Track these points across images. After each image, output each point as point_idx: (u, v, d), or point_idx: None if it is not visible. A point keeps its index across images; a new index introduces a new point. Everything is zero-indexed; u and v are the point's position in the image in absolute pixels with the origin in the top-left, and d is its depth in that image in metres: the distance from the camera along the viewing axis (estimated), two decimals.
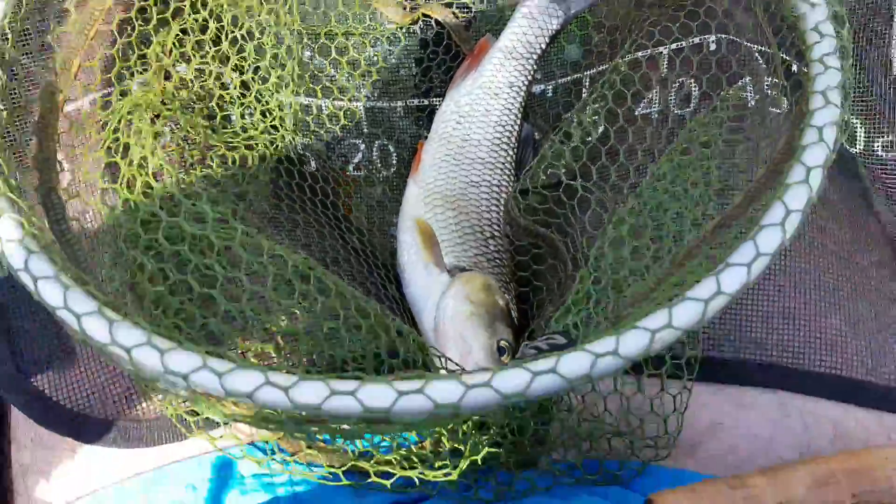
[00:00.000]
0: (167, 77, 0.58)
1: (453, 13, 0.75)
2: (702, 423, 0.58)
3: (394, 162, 0.73)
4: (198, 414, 0.55)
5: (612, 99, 0.64)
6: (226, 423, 0.55)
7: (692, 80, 0.67)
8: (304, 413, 0.34)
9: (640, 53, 0.67)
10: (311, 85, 0.72)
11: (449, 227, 0.65)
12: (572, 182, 0.61)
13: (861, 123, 0.67)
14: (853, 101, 0.67)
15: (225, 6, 0.60)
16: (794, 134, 0.42)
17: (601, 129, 0.64)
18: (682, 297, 0.36)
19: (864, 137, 0.67)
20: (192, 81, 0.57)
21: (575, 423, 0.54)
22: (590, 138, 0.64)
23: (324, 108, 0.73)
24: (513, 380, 0.34)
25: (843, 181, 0.65)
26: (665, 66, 0.67)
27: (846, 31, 0.44)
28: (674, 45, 0.67)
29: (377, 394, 0.33)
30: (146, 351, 0.35)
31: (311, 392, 0.33)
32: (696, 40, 0.66)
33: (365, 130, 0.73)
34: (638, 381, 0.54)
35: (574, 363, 0.35)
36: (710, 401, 0.58)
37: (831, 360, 0.58)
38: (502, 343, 0.58)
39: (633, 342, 0.35)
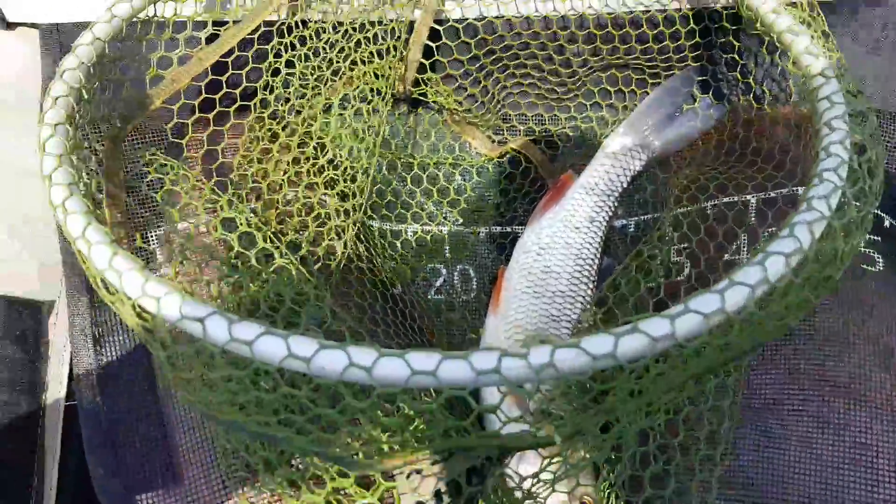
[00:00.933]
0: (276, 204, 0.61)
1: (540, 149, 0.78)
2: None
3: (474, 287, 0.74)
4: None
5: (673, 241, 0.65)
6: None
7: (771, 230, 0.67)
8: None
9: (725, 199, 0.68)
10: (402, 210, 0.75)
11: None
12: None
13: None
14: None
15: (328, 141, 0.64)
16: None
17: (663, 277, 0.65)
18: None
19: None
20: (301, 209, 0.60)
21: None
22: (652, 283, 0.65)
23: (411, 232, 0.75)
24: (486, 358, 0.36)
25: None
26: (752, 214, 0.68)
27: (864, 157, 0.50)
28: (760, 195, 0.68)
29: (364, 354, 0.36)
30: (171, 298, 0.39)
31: (302, 346, 0.36)
32: (784, 191, 0.68)
33: (448, 255, 0.75)
34: None
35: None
36: None
37: None
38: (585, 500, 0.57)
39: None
